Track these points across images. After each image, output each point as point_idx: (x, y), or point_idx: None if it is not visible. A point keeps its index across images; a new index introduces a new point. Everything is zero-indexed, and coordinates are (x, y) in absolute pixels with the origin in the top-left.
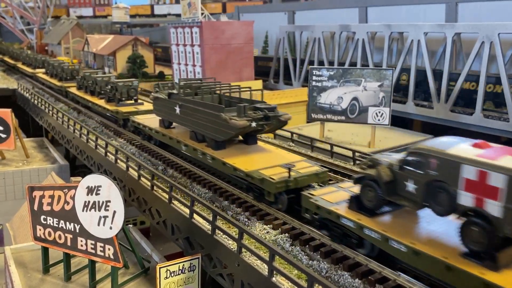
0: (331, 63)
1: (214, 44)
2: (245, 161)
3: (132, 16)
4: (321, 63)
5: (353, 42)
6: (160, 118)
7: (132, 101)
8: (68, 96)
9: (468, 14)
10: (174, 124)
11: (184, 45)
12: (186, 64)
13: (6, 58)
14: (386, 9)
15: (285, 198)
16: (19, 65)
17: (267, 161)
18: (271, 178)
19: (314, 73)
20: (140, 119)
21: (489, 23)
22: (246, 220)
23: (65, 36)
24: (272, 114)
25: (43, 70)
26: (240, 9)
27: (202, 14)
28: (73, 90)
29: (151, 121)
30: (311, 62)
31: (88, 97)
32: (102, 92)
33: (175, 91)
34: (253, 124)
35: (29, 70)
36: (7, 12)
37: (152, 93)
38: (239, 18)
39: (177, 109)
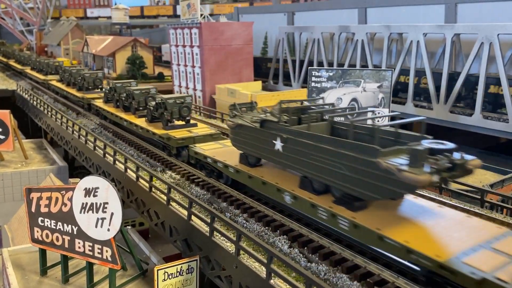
0: (330, 64)
1: (214, 45)
2: (419, 235)
3: (154, 17)
4: (320, 64)
5: (353, 43)
6: (242, 152)
7: (183, 122)
8: (91, 110)
9: (468, 15)
10: (262, 160)
11: (184, 46)
12: (186, 65)
13: (12, 62)
14: (385, 10)
15: None
16: (28, 70)
17: (455, 233)
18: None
19: (313, 74)
20: (206, 150)
21: (489, 24)
22: (245, 221)
23: (64, 37)
24: (459, 160)
25: (57, 77)
26: (239, 10)
27: (201, 15)
28: (99, 103)
29: (222, 153)
30: (310, 63)
31: (121, 114)
32: (141, 108)
33: (271, 118)
34: (435, 177)
35: (40, 77)
36: (7, 13)
37: (229, 118)
38: (238, 19)
39: (278, 144)
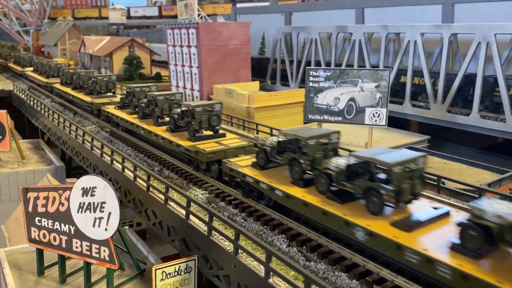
0: (328, 64)
1: (211, 45)
2: None
3: (214, 16)
4: (318, 64)
5: (350, 43)
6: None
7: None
8: (185, 159)
9: (465, 14)
10: None
11: (181, 46)
12: (183, 65)
13: (30, 72)
14: (382, 10)
15: None
16: (57, 85)
17: None
18: None
19: (311, 74)
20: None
21: (486, 24)
22: (243, 221)
23: (61, 37)
24: None
25: (115, 98)
26: (237, 10)
27: (199, 15)
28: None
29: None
30: (308, 63)
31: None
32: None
33: None
34: None
35: (85, 98)
36: (3, 13)
37: None
38: (236, 19)
39: None
